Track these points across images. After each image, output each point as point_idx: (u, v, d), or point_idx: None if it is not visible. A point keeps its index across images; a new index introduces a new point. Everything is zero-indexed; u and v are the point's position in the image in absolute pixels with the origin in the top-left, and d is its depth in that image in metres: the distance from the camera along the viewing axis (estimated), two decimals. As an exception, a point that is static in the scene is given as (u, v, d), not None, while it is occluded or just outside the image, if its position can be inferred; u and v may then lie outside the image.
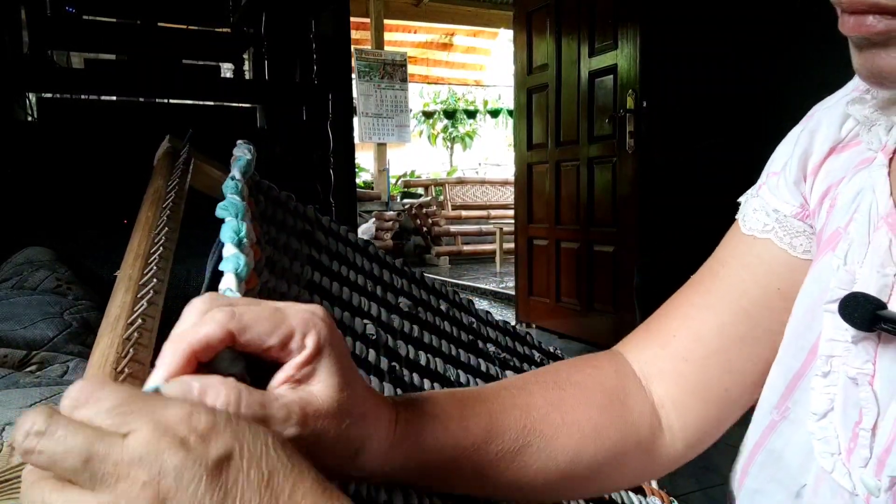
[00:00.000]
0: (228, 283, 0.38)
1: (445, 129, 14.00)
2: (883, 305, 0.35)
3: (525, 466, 0.41)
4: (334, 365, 0.32)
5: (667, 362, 0.48)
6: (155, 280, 0.47)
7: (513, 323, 4.26)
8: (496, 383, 0.45)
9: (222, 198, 0.46)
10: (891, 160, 0.40)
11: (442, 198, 7.82)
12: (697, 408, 0.48)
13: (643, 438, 0.46)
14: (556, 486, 0.43)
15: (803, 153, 0.45)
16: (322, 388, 0.31)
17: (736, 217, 0.51)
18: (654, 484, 0.50)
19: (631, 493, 0.48)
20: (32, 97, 1.92)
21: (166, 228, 0.55)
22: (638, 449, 0.46)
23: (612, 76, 3.24)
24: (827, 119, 0.44)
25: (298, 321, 0.31)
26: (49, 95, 1.94)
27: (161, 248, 0.52)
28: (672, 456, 0.48)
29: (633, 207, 3.13)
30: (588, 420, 0.44)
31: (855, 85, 0.44)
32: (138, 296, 0.45)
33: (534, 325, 4.02)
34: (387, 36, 8.11)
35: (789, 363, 0.42)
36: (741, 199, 0.51)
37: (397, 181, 9.18)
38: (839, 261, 0.39)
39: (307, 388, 0.31)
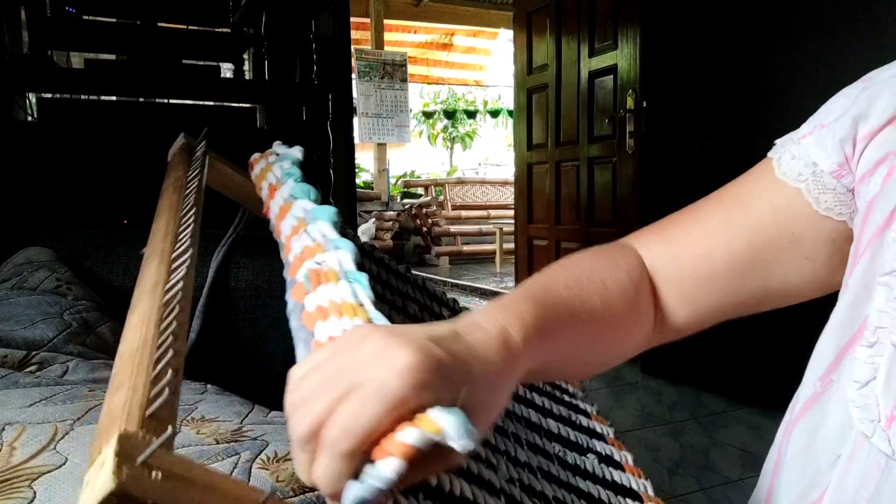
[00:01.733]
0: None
1: (445, 129, 14.00)
2: None
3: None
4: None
5: (672, 272, 0.52)
6: (187, 255, 0.48)
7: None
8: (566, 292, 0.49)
9: (235, 196, 0.47)
10: None
11: (442, 198, 7.82)
12: (683, 315, 0.53)
13: (647, 328, 0.52)
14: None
15: (859, 115, 0.44)
16: None
17: (769, 155, 0.51)
18: (650, 490, 0.50)
19: (628, 500, 0.48)
20: (32, 97, 1.92)
21: (193, 209, 0.55)
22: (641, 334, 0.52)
23: (612, 76, 3.24)
24: (890, 87, 0.44)
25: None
26: (49, 95, 1.94)
27: (190, 225, 0.53)
28: (649, 342, 0.54)
29: (633, 207, 3.13)
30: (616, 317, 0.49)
31: None
32: (172, 267, 0.46)
33: (534, 326, 4.02)
34: (387, 36, 8.11)
35: (840, 335, 0.43)
36: (778, 142, 0.51)
37: (397, 181, 9.18)
38: (895, 234, 0.39)
39: None
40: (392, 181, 8.54)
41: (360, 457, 0.28)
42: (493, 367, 0.34)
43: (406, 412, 0.28)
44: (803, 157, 0.47)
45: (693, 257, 0.51)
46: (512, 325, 0.38)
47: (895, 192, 0.41)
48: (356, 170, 4.07)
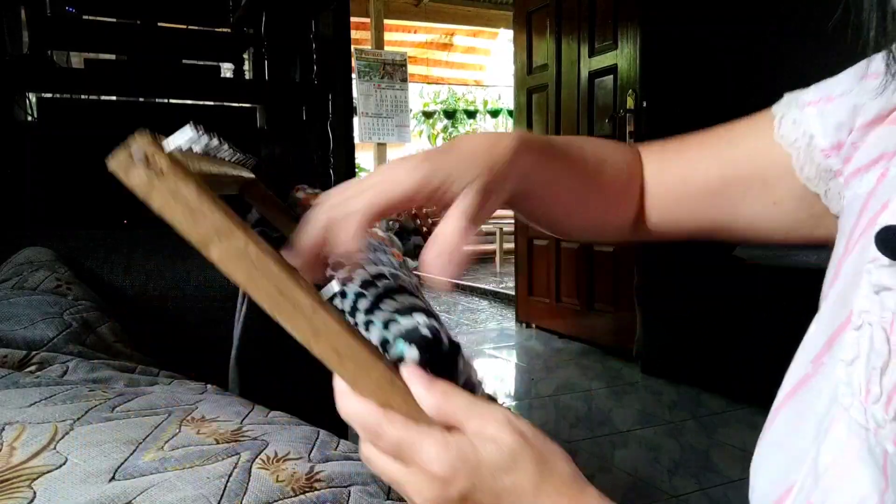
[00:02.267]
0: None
1: (445, 129, 13.99)
2: None
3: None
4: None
5: (655, 183, 0.58)
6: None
7: (513, 323, 4.27)
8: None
9: (231, 194, 0.45)
10: None
11: (442, 198, 7.81)
12: (655, 222, 0.59)
13: (628, 213, 0.59)
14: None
15: (858, 103, 0.46)
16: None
17: (773, 109, 0.53)
18: None
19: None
20: (32, 97, 1.92)
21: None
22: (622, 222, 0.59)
23: (612, 76, 3.24)
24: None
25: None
26: (49, 95, 1.94)
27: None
28: (624, 232, 0.60)
29: (633, 207, 3.13)
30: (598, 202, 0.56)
31: None
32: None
33: (534, 326, 4.01)
34: (387, 36, 8.11)
35: (831, 321, 0.45)
36: (785, 97, 0.53)
37: (397, 181, 9.16)
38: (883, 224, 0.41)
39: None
40: (392, 181, 8.52)
41: None
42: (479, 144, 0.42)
43: None
44: (802, 124, 0.49)
45: (674, 176, 0.57)
46: (509, 134, 0.44)
47: (888, 190, 0.43)
48: (356, 170, 4.07)
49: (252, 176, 0.63)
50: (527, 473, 0.36)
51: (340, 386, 0.37)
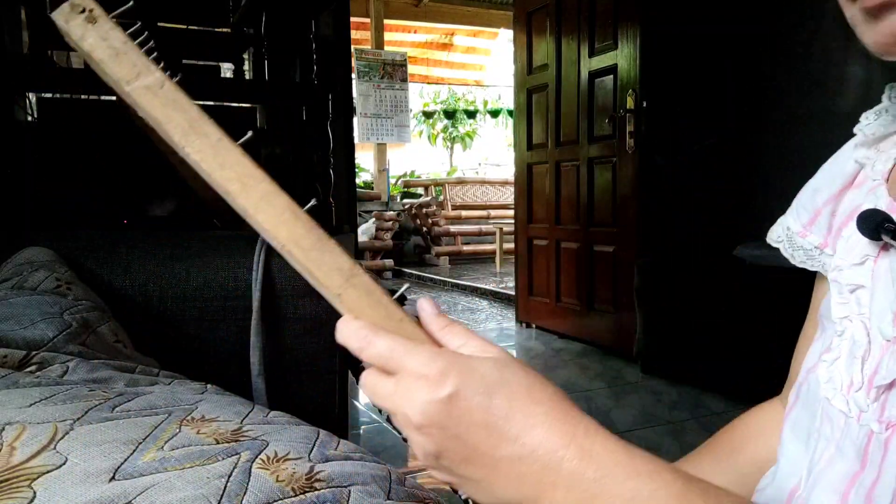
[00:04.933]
0: None
1: (445, 129, 14.00)
2: (892, 220, 0.42)
3: None
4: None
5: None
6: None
7: (513, 323, 4.27)
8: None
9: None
10: (888, 178, 0.46)
11: (442, 198, 7.82)
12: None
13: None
14: None
15: (817, 187, 0.54)
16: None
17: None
18: None
19: None
20: (32, 97, 1.92)
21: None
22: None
23: (612, 76, 3.24)
24: (843, 161, 0.52)
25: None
26: (49, 95, 1.94)
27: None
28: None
29: (633, 207, 3.13)
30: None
31: (860, 127, 0.50)
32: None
33: (534, 326, 4.02)
34: (387, 36, 8.11)
35: (826, 338, 0.49)
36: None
37: (397, 181, 9.18)
38: (843, 240, 0.47)
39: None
40: (392, 181, 8.54)
41: None
42: None
43: None
44: (783, 223, 0.58)
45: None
46: None
47: (854, 216, 0.47)
48: (356, 170, 4.07)
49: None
50: (517, 377, 0.36)
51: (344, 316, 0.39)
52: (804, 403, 0.48)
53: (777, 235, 0.58)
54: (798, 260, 0.55)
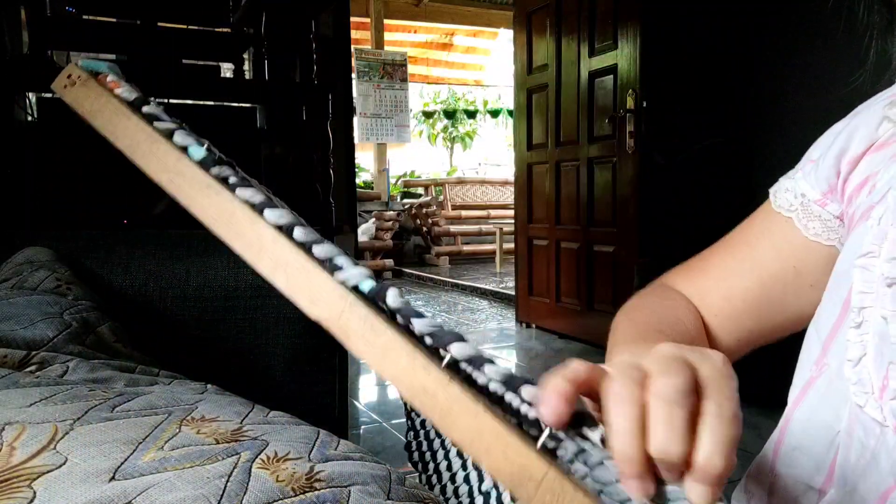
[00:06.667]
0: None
1: (445, 129, 14.00)
2: None
3: None
4: None
5: (704, 312, 0.58)
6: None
7: (513, 323, 4.27)
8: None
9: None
10: None
11: (442, 198, 7.82)
12: (724, 346, 0.59)
13: None
14: None
15: (840, 151, 0.49)
16: None
17: (770, 190, 0.56)
18: None
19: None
20: (32, 97, 1.92)
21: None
22: None
23: (612, 76, 3.24)
24: (866, 120, 0.48)
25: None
26: (49, 95, 1.94)
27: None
28: None
29: (633, 207, 3.13)
30: None
31: (893, 91, 0.48)
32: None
33: (534, 326, 4.02)
34: (387, 36, 8.11)
35: (825, 322, 0.46)
36: (780, 179, 0.56)
37: (397, 181, 9.18)
38: (874, 221, 0.43)
39: None
40: (392, 181, 8.54)
41: None
42: None
43: None
44: (794, 190, 0.53)
45: (716, 298, 0.57)
46: None
47: (874, 198, 0.45)
48: (356, 170, 4.07)
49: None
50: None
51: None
52: (817, 398, 0.45)
53: (789, 203, 0.53)
54: (812, 232, 0.51)
